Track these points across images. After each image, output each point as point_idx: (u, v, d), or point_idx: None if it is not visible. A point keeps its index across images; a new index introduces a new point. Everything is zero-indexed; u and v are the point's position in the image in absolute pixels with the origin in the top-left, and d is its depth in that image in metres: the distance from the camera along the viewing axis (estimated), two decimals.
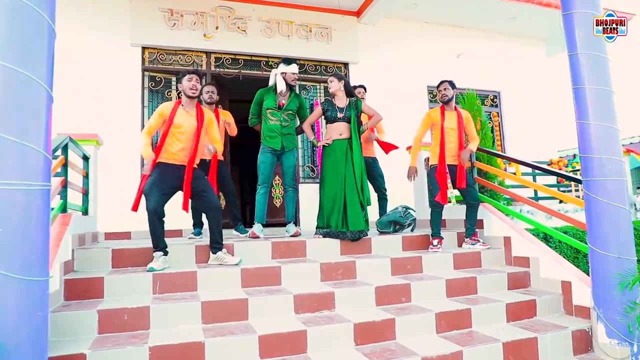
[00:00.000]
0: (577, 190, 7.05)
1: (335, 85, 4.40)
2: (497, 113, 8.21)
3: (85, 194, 4.47)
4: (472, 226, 4.42)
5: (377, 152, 5.32)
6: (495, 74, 8.15)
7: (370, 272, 3.81)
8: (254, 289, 3.38)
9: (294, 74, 4.51)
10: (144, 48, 6.24)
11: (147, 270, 3.33)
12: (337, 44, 7.09)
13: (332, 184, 4.24)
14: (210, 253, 3.73)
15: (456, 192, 4.57)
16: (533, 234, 4.44)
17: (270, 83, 4.55)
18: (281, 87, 4.47)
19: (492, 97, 8.28)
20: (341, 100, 4.43)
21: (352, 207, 4.15)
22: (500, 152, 6.59)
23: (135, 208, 3.59)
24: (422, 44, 7.73)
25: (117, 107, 5.97)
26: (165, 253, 3.57)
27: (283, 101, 4.52)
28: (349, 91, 4.48)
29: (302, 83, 7.03)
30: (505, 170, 7.15)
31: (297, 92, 4.68)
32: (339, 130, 4.36)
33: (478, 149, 4.93)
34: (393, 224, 4.57)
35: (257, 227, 4.34)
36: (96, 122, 5.70)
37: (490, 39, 8.26)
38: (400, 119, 6.69)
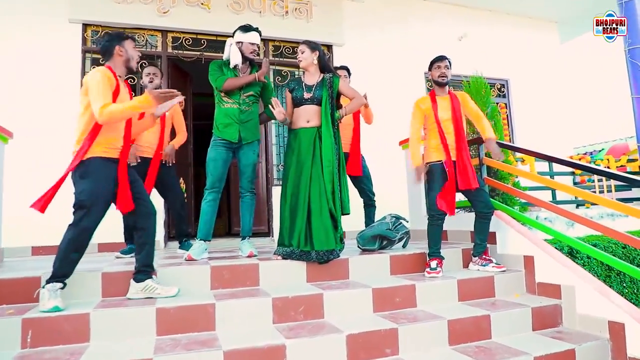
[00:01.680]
0: (602, 192, 5.98)
1: (308, 57, 3.35)
2: (505, 104, 7.17)
3: None
4: (483, 241, 3.39)
5: (366, 147, 4.29)
6: (503, 60, 7.11)
7: (344, 309, 2.77)
8: (172, 339, 2.35)
9: (252, 44, 3.47)
10: (85, 25, 5.22)
11: (48, 311, 2.35)
12: (319, 22, 6.06)
13: (294, 188, 3.21)
14: (133, 282, 2.69)
15: (460, 197, 3.53)
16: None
17: (224, 56, 3.51)
18: (235, 59, 3.43)
19: (499, 86, 7.25)
20: (312, 77, 3.40)
21: (318, 219, 3.11)
22: (514, 145, 5.47)
23: (43, 209, 2.51)
24: (419, 25, 6.70)
25: (51, 95, 4.93)
26: (64, 285, 2.54)
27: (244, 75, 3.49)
28: (325, 66, 3.44)
29: (278, 68, 6.01)
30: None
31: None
32: (306, 116, 3.32)
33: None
34: (379, 238, 3.53)
35: (197, 247, 3.30)
36: (25, 113, 4.71)
37: (497, 21, 7.23)
38: (393, 110, 5.67)
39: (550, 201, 4.96)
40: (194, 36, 5.61)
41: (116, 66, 2.73)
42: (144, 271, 2.70)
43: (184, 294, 2.78)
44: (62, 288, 2.52)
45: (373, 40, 6.39)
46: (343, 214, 3.33)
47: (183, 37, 5.60)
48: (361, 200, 4.22)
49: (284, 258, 3.13)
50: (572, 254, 4.17)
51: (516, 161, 5.30)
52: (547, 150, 6.22)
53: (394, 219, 3.66)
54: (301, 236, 3.08)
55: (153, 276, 2.75)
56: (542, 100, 7.30)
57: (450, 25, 6.85)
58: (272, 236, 5.61)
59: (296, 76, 3.43)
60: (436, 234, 3.30)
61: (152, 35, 5.51)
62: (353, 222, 4.04)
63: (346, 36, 6.21)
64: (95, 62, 5.24)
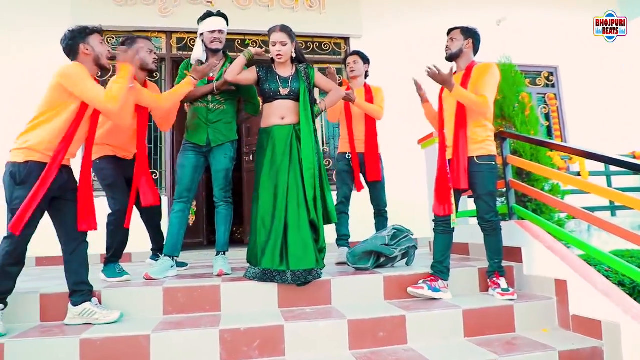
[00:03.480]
0: None
1: (289, 50, 2.84)
2: (555, 95, 6.24)
3: None
4: (492, 259, 2.74)
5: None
6: (551, 45, 6.20)
7: (310, 345, 2.25)
8: None
9: (212, 32, 3.01)
10: None
11: None
12: (333, 14, 5.56)
13: (267, 196, 2.73)
14: (70, 305, 2.35)
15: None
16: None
17: (192, 55, 3.12)
18: (196, 54, 3.04)
19: (546, 75, 6.33)
20: (285, 69, 2.92)
21: (296, 233, 2.60)
22: (544, 139, 4.42)
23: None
24: (448, 12, 5.98)
25: None
26: (5, 305, 2.25)
27: (212, 74, 3.07)
28: (299, 54, 2.96)
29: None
30: (567, 169, 5.24)
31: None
32: (281, 112, 2.84)
33: (513, 136, 3.20)
34: (374, 255, 2.96)
35: (160, 265, 2.89)
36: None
37: (540, 2, 6.33)
38: (416, 106, 5.02)
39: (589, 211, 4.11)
40: None
41: (86, 66, 2.37)
42: (78, 291, 2.35)
43: (130, 319, 2.40)
44: (3, 309, 2.23)
45: (395, 29, 5.78)
46: (328, 224, 2.82)
47: (188, 38, 5.34)
48: (370, 207, 3.66)
49: (253, 279, 2.65)
50: (623, 283, 3.34)
51: (563, 160, 4.47)
52: (607, 147, 5.33)
53: (395, 231, 3.07)
54: (275, 253, 2.59)
55: (93, 298, 2.39)
56: (599, 90, 6.28)
57: (483, 10, 6.06)
58: None
59: (265, 66, 2.90)
60: (438, 245, 2.70)
61: (156, 38, 5.29)
62: (360, 233, 3.50)
63: (364, 27, 5.66)
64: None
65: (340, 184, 3.61)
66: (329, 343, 2.27)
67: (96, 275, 2.89)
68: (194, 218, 5.79)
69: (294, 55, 2.91)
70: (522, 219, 3.05)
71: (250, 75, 2.86)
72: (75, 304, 2.35)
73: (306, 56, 5.48)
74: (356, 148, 3.56)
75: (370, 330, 2.31)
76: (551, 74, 6.33)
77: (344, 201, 3.56)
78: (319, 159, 2.81)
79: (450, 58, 2.77)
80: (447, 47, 2.77)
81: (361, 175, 3.58)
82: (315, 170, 2.75)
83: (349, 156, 3.57)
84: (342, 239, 3.57)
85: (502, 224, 3.06)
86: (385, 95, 3.65)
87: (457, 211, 2.70)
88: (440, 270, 2.68)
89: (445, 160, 2.70)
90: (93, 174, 2.61)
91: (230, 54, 3.26)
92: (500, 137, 3.22)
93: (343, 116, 3.63)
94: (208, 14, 3.07)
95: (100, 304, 2.45)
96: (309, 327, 2.28)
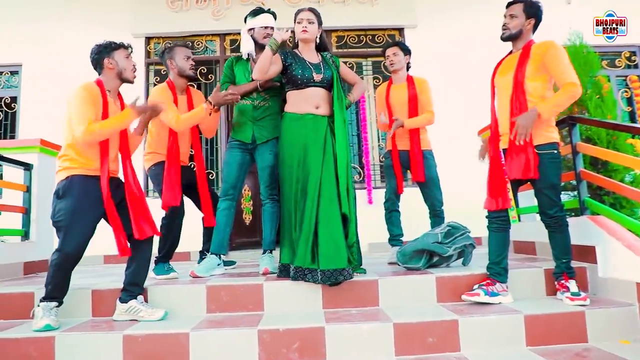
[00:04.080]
0: None
1: (314, 30, 2.75)
2: (639, 77, 5.55)
3: (26, 213, 3.55)
4: (558, 259, 2.43)
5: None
6: (632, 22, 5.52)
7: (353, 349, 2.12)
8: None
9: (265, 28, 3.00)
10: (147, 39, 5.34)
11: (40, 330, 2.18)
12: (386, 4, 5.36)
13: (300, 191, 2.62)
14: (118, 302, 2.42)
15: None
16: None
17: (242, 49, 3.13)
18: (246, 48, 3.03)
19: (628, 55, 5.66)
20: (310, 54, 2.80)
21: (326, 230, 2.47)
22: (627, 123, 3.71)
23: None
24: None
25: None
26: (61, 303, 2.37)
27: None
28: (324, 41, 2.86)
29: (343, 60, 5.44)
30: None
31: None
32: (314, 101, 2.71)
33: (584, 120, 2.85)
34: (426, 254, 2.75)
35: (205, 263, 2.90)
36: None
37: None
38: (475, 96, 4.69)
39: None
40: None
41: (108, 80, 2.47)
42: (128, 290, 2.41)
43: (174, 316, 2.42)
44: (58, 306, 2.34)
45: (451, 17, 5.43)
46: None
47: (240, 39, 5.39)
48: (424, 206, 3.44)
49: (287, 278, 2.56)
50: None
51: None
52: None
53: (449, 228, 2.84)
54: (307, 251, 2.48)
55: (139, 296, 2.43)
56: None
57: None
58: None
59: (289, 51, 2.82)
60: (493, 244, 2.45)
61: (210, 41, 5.42)
62: (416, 232, 3.30)
63: (419, 16, 5.39)
64: (158, 74, 5.32)
65: (388, 180, 3.44)
66: (373, 347, 2.12)
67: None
68: (251, 217, 5.85)
69: (318, 41, 2.82)
70: (596, 214, 2.69)
71: (276, 67, 2.72)
72: (122, 301, 2.40)
73: (358, 50, 5.43)
74: (398, 146, 3.37)
75: (418, 335, 2.14)
76: (633, 53, 5.65)
77: (393, 198, 3.38)
78: (349, 152, 2.70)
79: (508, 39, 2.48)
80: (504, 26, 2.46)
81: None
82: (349, 162, 2.64)
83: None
84: (395, 238, 3.39)
85: (573, 220, 2.74)
86: (432, 87, 3.42)
87: (516, 207, 2.43)
88: (497, 272, 2.42)
89: (499, 150, 2.44)
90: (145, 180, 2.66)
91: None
92: (568, 123, 2.88)
93: (386, 114, 3.46)
94: (260, 10, 3.05)
95: (147, 301, 2.50)
96: (351, 329, 2.15)
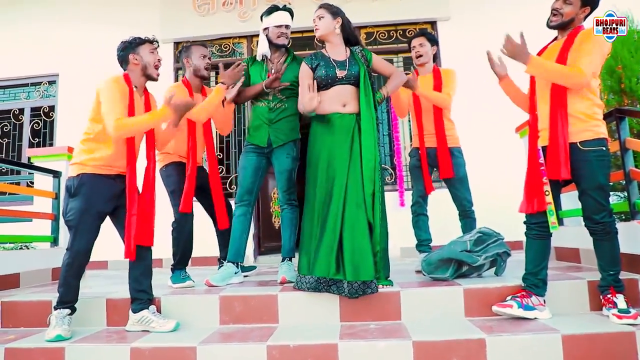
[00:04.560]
0: None
1: (328, 25, 2.62)
2: None
3: (55, 219, 3.62)
4: (604, 271, 2.15)
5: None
6: None
7: None
8: None
9: (278, 27, 2.88)
10: (176, 43, 5.37)
11: (51, 340, 2.17)
12: None
13: (322, 194, 2.48)
14: (130, 312, 2.39)
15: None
16: None
17: (257, 50, 3.04)
18: (262, 49, 2.93)
19: None
20: (338, 50, 2.65)
21: (352, 238, 2.32)
22: None
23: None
24: None
25: None
26: (73, 311, 2.36)
27: (275, 70, 2.93)
28: (350, 36, 2.69)
29: None
30: None
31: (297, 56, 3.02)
32: (341, 99, 2.57)
33: (635, 113, 2.53)
34: (454, 263, 2.53)
35: (222, 271, 2.80)
36: None
37: None
38: None
39: None
40: None
41: (133, 76, 2.45)
42: (137, 299, 2.37)
43: (186, 328, 2.35)
44: (71, 314, 2.34)
45: (487, 8, 5.07)
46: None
47: None
48: (454, 208, 3.21)
49: (306, 290, 2.40)
50: None
51: None
52: None
53: (480, 235, 2.60)
54: (331, 260, 2.34)
55: (151, 306, 2.38)
56: None
57: None
58: None
59: (318, 52, 2.69)
60: (531, 252, 2.22)
61: (237, 43, 5.38)
62: (446, 237, 3.08)
63: (452, 8, 5.09)
64: None
65: (414, 181, 3.23)
66: None
67: (162, 280, 2.95)
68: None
69: (338, 32, 2.65)
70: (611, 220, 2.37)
71: (309, 77, 2.61)
72: (134, 311, 2.36)
73: (389, 46, 5.21)
74: (425, 143, 3.15)
75: (440, 354, 1.94)
76: None
77: (420, 201, 3.17)
78: (377, 152, 2.52)
79: (558, 27, 2.20)
80: (555, 11, 2.18)
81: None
82: (376, 163, 2.46)
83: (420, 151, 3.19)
84: (423, 244, 3.17)
85: (621, 225, 2.44)
86: (458, 79, 3.19)
87: (558, 210, 2.16)
88: (533, 283, 2.18)
89: (537, 148, 2.19)
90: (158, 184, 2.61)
91: (311, 51, 3.10)
92: (615, 116, 2.57)
93: (412, 108, 3.25)
94: (274, 8, 2.94)
95: (160, 311, 2.44)
96: (366, 347, 1.99)
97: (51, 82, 5.55)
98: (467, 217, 3.15)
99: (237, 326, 2.37)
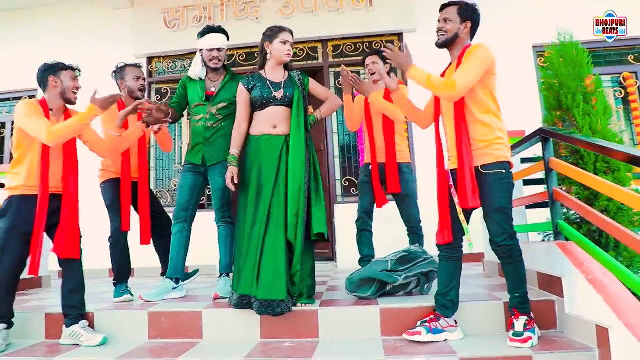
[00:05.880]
0: None
1: (291, 49, 2.69)
2: (635, 74, 4.93)
3: None
4: (512, 293, 2.18)
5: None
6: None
7: None
8: None
9: (211, 50, 2.93)
10: (149, 58, 5.50)
11: None
12: (382, 9, 5.16)
13: (248, 215, 2.53)
14: (64, 326, 2.48)
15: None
16: None
17: (190, 71, 3.07)
18: (194, 70, 3.00)
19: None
20: (276, 74, 2.71)
21: (270, 258, 2.38)
22: (605, 142, 2.45)
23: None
24: None
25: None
26: (10, 325, 2.47)
27: (213, 88, 3.00)
28: (289, 63, 2.75)
29: (339, 69, 5.28)
30: None
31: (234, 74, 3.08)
32: (272, 120, 2.62)
33: (558, 136, 2.54)
34: (377, 283, 2.58)
35: (158, 287, 2.87)
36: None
37: None
38: None
39: None
40: (248, 50, 5.38)
41: (51, 98, 2.56)
42: (68, 315, 2.47)
43: (115, 342, 2.43)
44: (8, 328, 2.44)
45: None
46: (319, 239, 2.56)
47: (237, 54, 5.43)
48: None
49: (234, 306, 2.48)
50: None
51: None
52: None
53: (405, 254, 2.65)
54: (253, 278, 2.40)
55: (82, 321, 2.47)
56: None
57: None
58: (336, 261, 4.92)
59: (255, 74, 2.74)
60: (441, 274, 2.27)
61: None
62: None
63: (418, 20, 5.13)
64: (158, 92, 5.46)
65: (360, 197, 3.28)
66: None
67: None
68: None
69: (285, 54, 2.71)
70: (573, 240, 2.40)
71: (246, 99, 2.66)
72: (66, 326, 2.46)
73: (357, 58, 5.27)
74: (377, 158, 3.20)
75: None
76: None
77: (364, 217, 3.21)
78: (313, 169, 2.58)
79: (443, 45, 2.26)
80: (440, 30, 2.24)
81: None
82: (302, 185, 2.50)
83: (370, 167, 3.24)
84: (365, 259, 3.21)
85: (542, 245, 2.47)
86: (410, 93, 3.21)
87: (466, 225, 2.18)
88: (442, 304, 2.22)
89: (445, 176, 2.22)
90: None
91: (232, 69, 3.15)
92: (540, 136, 2.59)
93: (365, 124, 3.30)
94: (207, 29, 3.00)
95: (93, 325, 2.53)
96: None
97: (31, 97, 5.71)
98: (414, 234, 3.19)
99: (164, 341, 2.45)
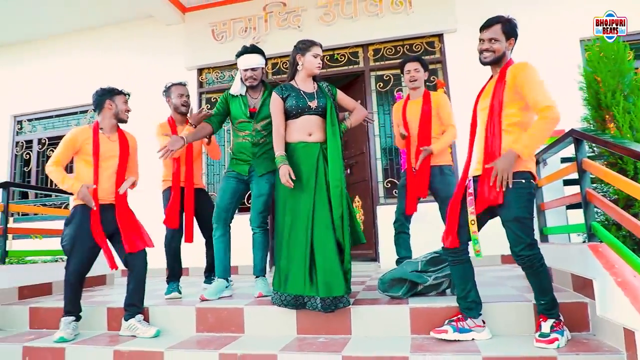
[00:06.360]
0: None
1: (320, 62, 2.84)
2: None
3: None
4: (538, 300, 2.19)
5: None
6: None
7: None
8: None
9: (246, 70, 3.10)
10: (199, 70, 5.87)
11: (56, 341, 2.65)
12: (421, 11, 5.17)
13: (291, 217, 2.68)
14: (123, 320, 2.82)
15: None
16: None
17: (232, 89, 3.25)
18: (235, 88, 3.20)
19: None
20: (308, 85, 2.86)
21: (323, 256, 2.52)
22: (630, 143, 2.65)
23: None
24: None
25: None
26: (78, 318, 2.85)
27: (254, 105, 3.21)
28: (316, 75, 2.90)
29: (379, 73, 5.39)
30: None
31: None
32: (307, 128, 2.77)
33: (589, 138, 2.51)
34: (408, 283, 2.67)
35: (213, 287, 3.07)
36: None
37: None
38: None
39: None
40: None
41: (104, 119, 2.90)
42: (127, 310, 2.78)
43: (167, 335, 2.71)
44: (76, 320, 2.81)
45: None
46: (355, 244, 2.71)
47: (281, 62, 5.66)
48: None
49: (279, 305, 2.62)
50: None
51: None
52: None
53: (436, 255, 2.72)
54: (305, 278, 2.53)
55: (138, 315, 2.77)
56: None
57: None
58: (379, 261, 5.02)
59: (287, 84, 2.88)
60: (455, 278, 2.33)
61: None
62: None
63: (459, 19, 5.10)
64: (208, 102, 5.81)
65: (398, 200, 3.36)
66: None
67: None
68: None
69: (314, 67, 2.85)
70: (602, 242, 2.37)
71: (280, 107, 2.80)
72: (125, 319, 2.78)
73: (397, 61, 5.33)
74: (412, 163, 3.28)
75: None
76: None
77: (401, 219, 3.29)
78: (343, 177, 2.71)
79: (491, 63, 2.27)
80: (486, 50, 2.24)
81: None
82: (343, 189, 2.64)
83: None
84: (401, 261, 3.29)
85: (576, 247, 2.46)
86: (449, 103, 3.30)
87: (476, 235, 2.22)
88: (465, 307, 2.28)
89: (464, 185, 2.28)
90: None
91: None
92: (573, 137, 2.57)
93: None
94: (242, 50, 3.15)
95: (147, 319, 2.84)
96: (301, 358, 2.22)
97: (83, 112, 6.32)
98: None
99: (210, 334, 2.70)
